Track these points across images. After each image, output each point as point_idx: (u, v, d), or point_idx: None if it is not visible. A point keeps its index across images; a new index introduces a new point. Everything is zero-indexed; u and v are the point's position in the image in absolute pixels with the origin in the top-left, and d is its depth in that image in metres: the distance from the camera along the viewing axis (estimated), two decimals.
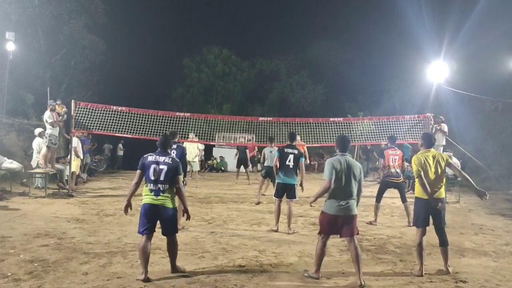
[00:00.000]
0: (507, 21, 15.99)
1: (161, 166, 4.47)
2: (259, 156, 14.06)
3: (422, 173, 4.76)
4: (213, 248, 5.69)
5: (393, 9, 22.39)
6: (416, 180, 4.85)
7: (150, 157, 4.54)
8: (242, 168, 14.38)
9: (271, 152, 9.52)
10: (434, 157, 4.87)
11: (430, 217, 4.89)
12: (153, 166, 4.47)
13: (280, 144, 11.69)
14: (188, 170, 12.87)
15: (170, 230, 4.56)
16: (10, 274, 4.37)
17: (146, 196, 4.48)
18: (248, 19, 36.01)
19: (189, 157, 12.69)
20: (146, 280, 4.30)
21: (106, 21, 19.85)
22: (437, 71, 15.55)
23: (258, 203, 9.59)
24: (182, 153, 6.58)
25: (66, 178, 10.83)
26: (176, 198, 4.61)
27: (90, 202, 9.22)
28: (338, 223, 4.51)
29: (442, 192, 4.86)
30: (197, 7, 38.24)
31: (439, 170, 4.83)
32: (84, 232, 6.40)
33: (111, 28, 20.72)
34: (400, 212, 9.05)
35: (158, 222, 4.51)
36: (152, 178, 4.45)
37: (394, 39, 22.22)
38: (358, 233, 4.66)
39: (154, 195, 4.43)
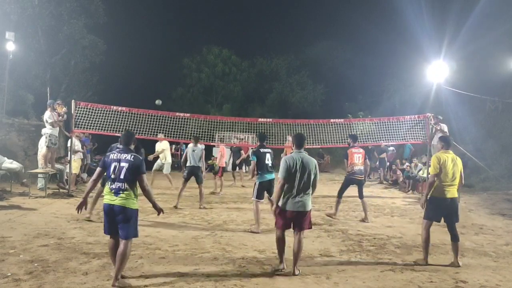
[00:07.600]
0: (507, 21, 15.96)
1: (122, 164, 4.18)
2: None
3: (437, 172, 5.18)
4: (213, 248, 5.68)
5: (393, 9, 22.39)
6: (429, 176, 5.38)
7: (112, 155, 4.26)
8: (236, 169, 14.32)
9: (193, 151, 9.09)
10: (452, 159, 5.31)
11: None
12: (114, 164, 4.20)
13: (274, 145, 11.68)
14: (156, 168, 12.19)
15: (125, 233, 4.13)
16: (10, 274, 4.37)
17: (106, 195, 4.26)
18: (248, 19, 36.03)
19: (162, 158, 12.21)
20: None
21: (106, 21, 19.81)
22: (437, 71, 15.52)
23: (175, 207, 8.73)
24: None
25: (66, 178, 10.82)
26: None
27: (90, 202, 9.19)
28: (292, 218, 4.71)
29: (455, 192, 5.27)
30: (197, 7, 38.27)
31: (455, 171, 5.25)
32: (84, 232, 6.40)
33: (111, 28, 20.71)
34: (400, 212, 9.07)
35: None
36: (112, 176, 4.18)
37: (394, 39, 22.26)
38: (310, 227, 4.88)
39: (113, 193, 4.18)
